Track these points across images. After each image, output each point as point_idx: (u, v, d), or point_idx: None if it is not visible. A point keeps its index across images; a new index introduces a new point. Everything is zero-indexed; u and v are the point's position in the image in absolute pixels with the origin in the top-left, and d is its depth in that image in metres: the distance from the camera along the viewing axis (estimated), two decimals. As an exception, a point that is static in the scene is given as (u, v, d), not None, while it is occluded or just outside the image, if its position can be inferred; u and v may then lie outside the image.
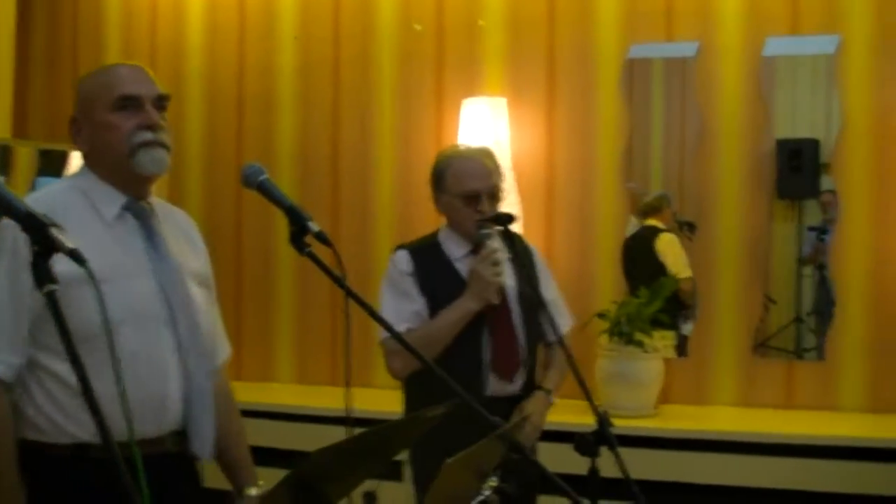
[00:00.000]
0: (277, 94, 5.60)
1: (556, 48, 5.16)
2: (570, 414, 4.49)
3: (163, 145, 2.66)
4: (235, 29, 5.67)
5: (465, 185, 3.51)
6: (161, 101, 2.74)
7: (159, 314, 2.60)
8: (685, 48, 5.01)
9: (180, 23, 5.76)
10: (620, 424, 4.53)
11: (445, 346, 3.43)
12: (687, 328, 5.11)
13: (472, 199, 3.50)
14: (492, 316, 3.51)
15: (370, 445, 1.97)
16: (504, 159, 4.89)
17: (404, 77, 5.37)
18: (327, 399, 5.13)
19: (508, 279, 3.56)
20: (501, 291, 3.53)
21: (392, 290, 3.57)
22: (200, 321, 2.72)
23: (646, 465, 4.49)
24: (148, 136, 2.61)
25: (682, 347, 5.08)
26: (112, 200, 2.63)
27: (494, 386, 3.52)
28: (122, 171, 2.61)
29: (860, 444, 4.37)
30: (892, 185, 4.76)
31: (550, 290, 3.78)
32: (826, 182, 4.93)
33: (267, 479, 2.32)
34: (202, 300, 2.80)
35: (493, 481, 2.35)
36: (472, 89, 5.15)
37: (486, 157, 3.60)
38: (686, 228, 5.15)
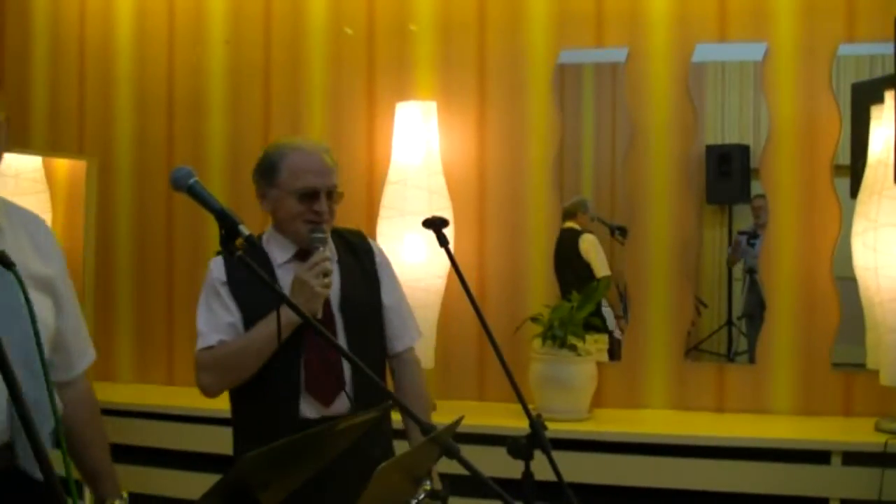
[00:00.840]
0: (208, 97, 5.54)
1: (486, 52, 5.16)
2: (503, 417, 4.51)
3: None
4: (165, 32, 5.60)
5: (302, 181, 3.13)
6: None
7: None
8: (615, 53, 5.04)
9: (109, 25, 5.68)
10: (554, 428, 4.53)
11: (263, 363, 3.09)
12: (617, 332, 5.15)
13: (309, 196, 3.14)
14: (308, 331, 3.08)
15: (304, 449, 1.94)
16: (435, 163, 4.90)
17: (335, 81, 5.34)
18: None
19: (333, 284, 3.17)
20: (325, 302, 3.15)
21: (206, 300, 3.24)
22: (31, 330, 2.26)
23: (579, 469, 4.51)
24: None
25: (614, 351, 5.11)
26: None
27: (310, 409, 3.13)
28: None
29: (790, 447, 4.42)
30: (818, 190, 4.81)
31: (392, 294, 3.40)
32: (756, 187, 4.98)
33: (201, 483, 2.28)
34: (41, 307, 2.46)
35: (426, 485, 2.34)
36: (403, 93, 5.14)
37: (325, 153, 3.22)
38: (617, 233, 5.18)
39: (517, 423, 4.63)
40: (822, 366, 4.85)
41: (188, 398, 5.16)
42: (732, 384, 4.94)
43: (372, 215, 5.01)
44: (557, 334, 4.66)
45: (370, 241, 3.45)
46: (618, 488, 4.48)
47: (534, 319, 4.75)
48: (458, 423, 2.46)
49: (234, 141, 5.49)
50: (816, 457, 4.40)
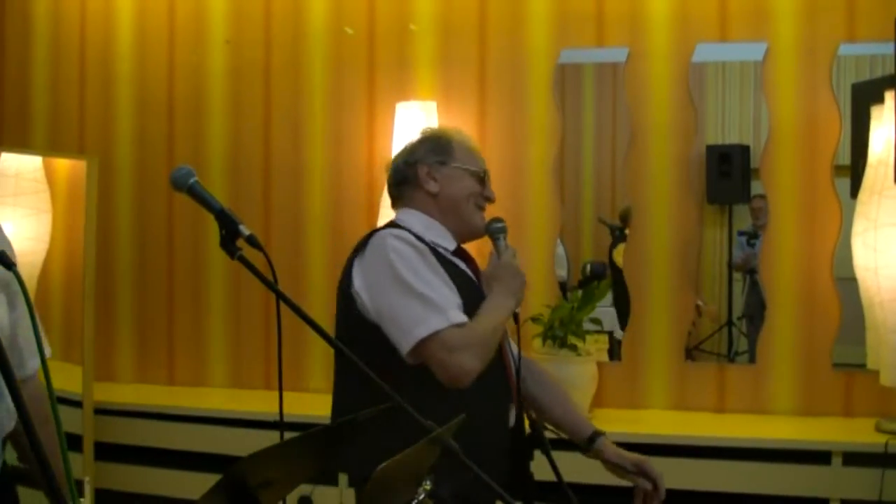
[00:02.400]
0: (208, 97, 5.53)
1: (487, 52, 5.17)
2: None
3: None
4: (165, 32, 5.59)
5: (477, 162, 2.99)
6: None
7: None
8: (615, 53, 5.04)
9: (110, 25, 5.68)
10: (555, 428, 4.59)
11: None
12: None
13: (482, 180, 2.97)
14: None
15: (304, 449, 1.93)
16: (436, 163, 4.90)
17: (336, 81, 5.34)
18: (260, 403, 5.11)
19: None
20: None
21: (422, 270, 2.66)
22: None
23: (579, 469, 4.49)
24: None
25: (614, 351, 5.11)
26: None
27: (511, 415, 2.90)
28: None
29: (790, 447, 4.43)
30: (819, 190, 4.82)
31: None
32: (756, 187, 4.99)
33: (201, 483, 2.28)
34: None
35: (427, 485, 2.34)
36: (403, 93, 5.14)
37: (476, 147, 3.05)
38: (618, 232, 5.18)
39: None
40: (822, 366, 4.85)
41: (190, 398, 5.19)
42: (733, 384, 4.94)
43: (372, 214, 5.02)
44: (558, 334, 4.66)
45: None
46: (618, 488, 4.46)
47: (534, 319, 4.75)
48: (458, 422, 2.44)
49: (235, 141, 5.49)
50: (817, 457, 4.40)
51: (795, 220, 4.85)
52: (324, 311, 5.26)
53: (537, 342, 4.72)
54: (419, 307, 2.59)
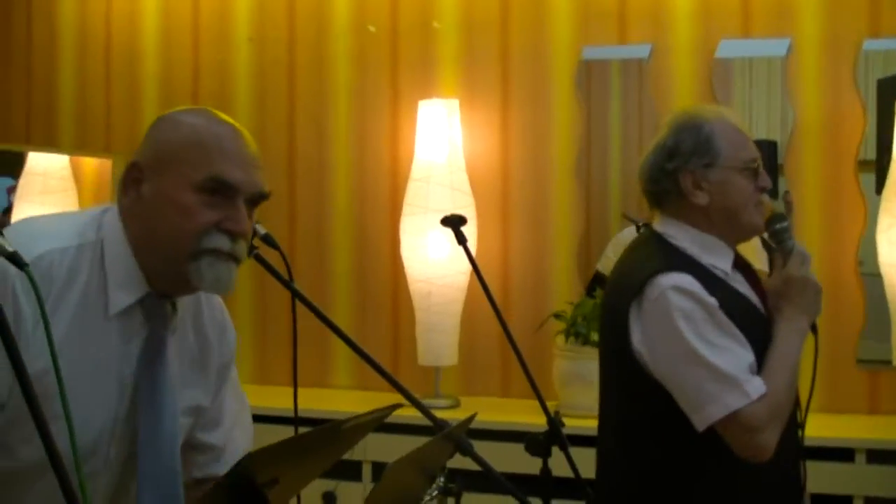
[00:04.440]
0: (233, 95, 5.55)
1: (509, 50, 5.16)
2: (527, 414, 4.51)
3: (237, 260, 2.08)
4: (190, 30, 5.63)
5: (747, 151, 2.59)
6: (258, 201, 2.16)
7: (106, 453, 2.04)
8: (638, 50, 5.03)
9: (135, 25, 5.70)
10: (578, 424, 4.55)
11: None
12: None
13: (755, 172, 2.58)
14: None
15: (311, 447, 1.93)
16: (458, 160, 4.92)
17: (359, 79, 5.34)
18: (284, 400, 5.11)
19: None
20: None
21: (719, 332, 2.42)
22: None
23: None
24: (225, 243, 2.03)
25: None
26: (129, 286, 2.02)
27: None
28: (168, 265, 2.02)
29: (814, 444, 4.30)
30: (843, 186, 4.79)
31: None
32: (784, 183, 4.96)
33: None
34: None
35: (440, 481, 2.36)
36: (426, 91, 5.13)
37: (740, 120, 2.71)
38: (643, 229, 5.16)
39: (540, 420, 4.67)
40: (846, 363, 4.82)
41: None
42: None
43: (395, 212, 5.02)
44: (580, 331, 4.66)
45: None
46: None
47: (557, 316, 4.76)
48: (471, 419, 2.45)
49: (259, 139, 5.39)
50: (841, 454, 4.38)
51: (820, 216, 4.83)
52: (347, 308, 5.33)
53: (560, 339, 4.72)
54: (711, 382, 2.38)
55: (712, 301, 2.43)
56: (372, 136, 5.30)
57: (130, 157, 2.10)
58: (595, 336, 4.64)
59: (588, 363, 4.65)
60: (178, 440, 2.10)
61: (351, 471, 4.72)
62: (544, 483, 2.91)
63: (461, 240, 2.96)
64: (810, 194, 4.83)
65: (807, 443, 4.34)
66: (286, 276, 2.40)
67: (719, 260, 2.57)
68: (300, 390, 5.42)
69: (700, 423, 2.40)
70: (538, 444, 2.95)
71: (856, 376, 4.82)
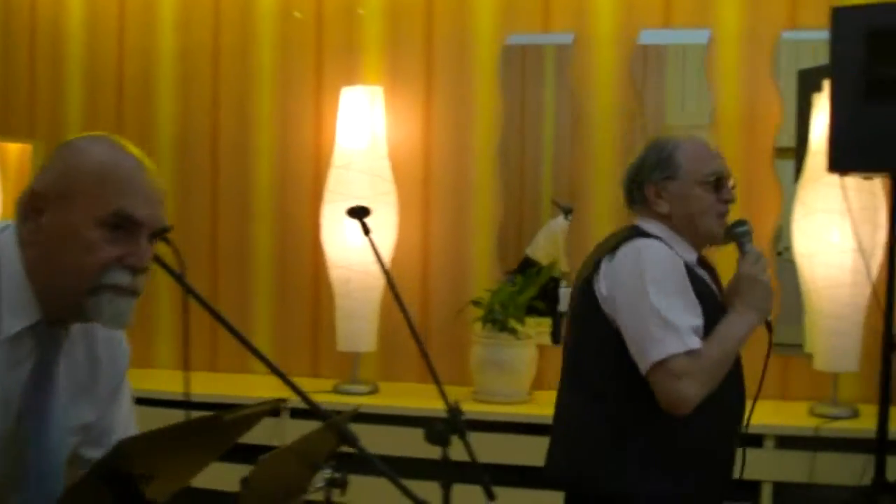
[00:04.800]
0: (157, 79, 5.52)
1: (433, 37, 5.18)
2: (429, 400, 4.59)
3: (136, 294, 2.04)
4: (115, 14, 5.58)
5: (707, 166, 2.82)
6: (159, 235, 2.09)
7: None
8: (561, 38, 5.07)
9: (59, 8, 5.65)
10: (494, 410, 4.66)
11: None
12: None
13: (715, 184, 2.83)
14: None
15: (188, 439, 1.90)
16: (380, 147, 4.93)
17: (284, 64, 5.34)
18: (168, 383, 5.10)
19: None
20: None
21: (672, 290, 2.66)
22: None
23: (519, 450, 4.57)
24: (126, 278, 2.00)
25: (557, 334, 5.14)
26: (21, 311, 1.99)
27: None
28: (65, 296, 1.99)
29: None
30: (760, 174, 4.87)
31: None
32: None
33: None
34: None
35: (327, 473, 2.38)
36: (350, 78, 5.14)
37: (709, 140, 2.97)
38: (569, 215, 5.21)
39: (462, 406, 4.70)
40: (759, 351, 4.89)
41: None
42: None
43: (318, 199, 5.02)
44: (497, 317, 4.70)
45: None
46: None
47: (475, 303, 4.80)
48: (354, 411, 2.49)
49: (184, 122, 5.47)
50: (750, 440, 4.44)
51: (736, 204, 4.88)
52: (268, 293, 5.35)
53: (478, 326, 4.77)
54: (658, 327, 2.59)
55: (678, 259, 2.70)
56: (296, 122, 5.31)
57: (30, 182, 2.01)
58: (512, 323, 4.71)
59: (505, 350, 4.72)
60: (62, 462, 2.08)
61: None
62: (445, 470, 2.96)
63: (366, 230, 3.02)
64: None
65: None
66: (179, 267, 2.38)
67: (686, 254, 2.80)
68: (221, 376, 5.48)
69: (643, 366, 2.62)
70: (437, 433, 2.98)
71: (768, 364, 4.88)
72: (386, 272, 3.09)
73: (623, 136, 5.00)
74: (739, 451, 3.02)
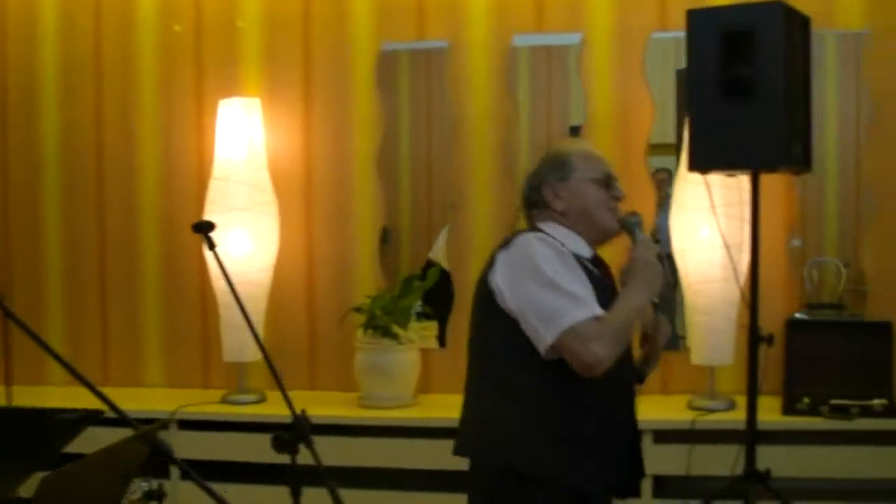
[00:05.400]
0: (40, 89, 5.48)
1: (311, 47, 5.22)
2: (334, 406, 4.76)
3: None
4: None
5: (598, 167, 3.05)
6: None
7: None
8: (436, 45, 5.14)
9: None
10: (378, 415, 4.70)
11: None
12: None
13: (605, 182, 3.04)
14: None
15: (101, 467, 1.91)
16: (259, 158, 4.96)
17: (166, 76, 5.35)
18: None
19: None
20: None
21: (563, 267, 2.81)
22: None
23: (402, 454, 4.61)
24: None
25: (444, 337, 5.18)
26: None
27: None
28: None
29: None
30: (633, 173, 4.94)
31: None
32: (656, 162, 5.09)
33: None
34: None
35: (145, 485, 2.40)
36: (231, 89, 5.16)
37: (596, 148, 3.18)
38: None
39: (346, 412, 4.76)
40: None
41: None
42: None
43: (202, 210, 5.03)
44: (379, 323, 4.74)
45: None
46: (441, 472, 4.56)
47: (357, 309, 4.83)
48: (164, 423, 2.52)
49: (67, 134, 5.43)
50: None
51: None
52: (158, 306, 5.35)
53: (360, 332, 4.80)
54: (561, 300, 2.74)
55: (566, 250, 2.86)
56: (178, 135, 5.32)
57: None
58: (395, 328, 4.75)
59: (387, 355, 4.76)
60: None
61: (158, 469, 4.73)
62: (293, 476, 3.01)
63: (211, 245, 3.09)
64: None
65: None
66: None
67: (580, 249, 2.97)
68: (111, 389, 5.45)
69: (550, 336, 2.73)
70: (284, 441, 3.03)
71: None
72: (231, 287, 3.17)
73: (501, 139, 5.06)
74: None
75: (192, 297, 5.30)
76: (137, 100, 5.39)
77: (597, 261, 3.05)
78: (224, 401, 4.93)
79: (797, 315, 4.95)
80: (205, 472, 4.92)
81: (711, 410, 4.60)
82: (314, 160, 5.21)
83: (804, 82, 4.16)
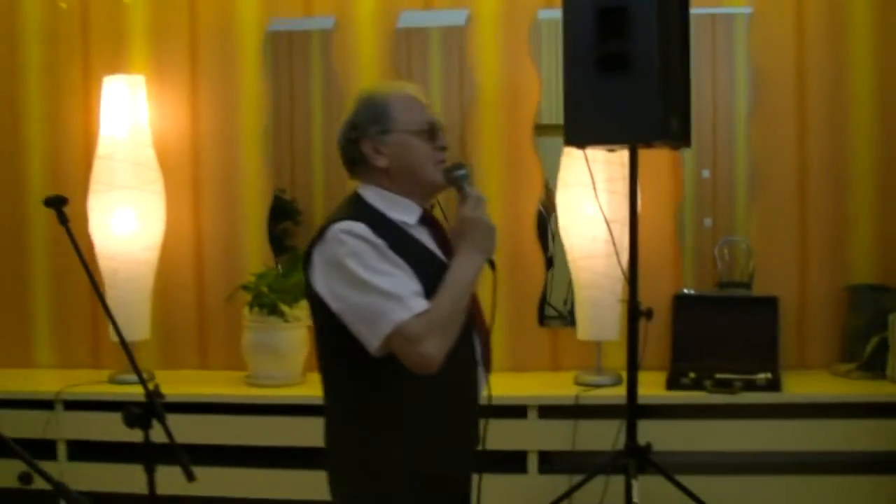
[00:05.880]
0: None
1: (198, 25, 5.17)
2: (224, 385, 4.84)
3: None
4: None
5: (420, 116, 2.79)
6: None
7: None
8: (323, 21, 5.11)
9: None
10: (266, 393, 4.70)
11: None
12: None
13: (431, 133, 2.78)
14: None
15: None
16: (143, 136, 4.92)
17: (52, 55, 5.26)
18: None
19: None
20: None
21: (378, 264, 2.61)
22: None
23: (291, 431, 4.61)
24: None
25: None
26: None
27: (482, 382, 2.91)
28: None
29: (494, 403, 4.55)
30: (521, 151, 4.99)
31: None
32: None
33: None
34: None
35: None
36: (117, 67, 5.10)
37: (419, 91, 2.89)
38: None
39: (233, 391, 4.76)
40: (529, 323, 5.02)
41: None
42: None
43: (88, 190, 4.98)
44: (265, 301, 4.72)
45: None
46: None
47: (245, 287, 4.81)
48: None
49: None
50: (515, 411, 4.55)
51: (500, 182, 5.00)
52: (47, 287, 5.29)
53: (247, 310, 4.78)
54: (379, 301, 2.56)
55: (379, 241, 2.61)
56: (65, 114, 5.25)
57: None
58: (282, 306, 4.73)
59: (274, 333, 4.76)
60: None
61: (46, 450, 4.71)
62: (147, 452, 3.00)
63: (62, 220, 3.06)
64: (491, 160, 5.01)
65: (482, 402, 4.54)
66: None
67: (404, 215, 2.75)
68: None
69: (376, 341, 2.57)
70: (135, 416, 3.03)
71: (538, 336, 5.02)
72: (85, 265, 3.13)
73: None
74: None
75: (82, 278, 5.21)
76: (24, 79, 5.31)
77: (427, 219, 2.83)
78: (112, 381, 4.89)
79: (684, 291, 5.00)
80: (92, 452, 4.90)
81: (598, 386, 4.63)
82: (201, 138, 5.17)
83: (682, 58, 4.18)
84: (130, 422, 3.02)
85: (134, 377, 4.83)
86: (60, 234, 5.11)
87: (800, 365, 4.90)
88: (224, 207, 5.14)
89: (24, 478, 4.68)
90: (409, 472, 2.75)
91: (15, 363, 5.28)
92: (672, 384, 4.61)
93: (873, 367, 4.65)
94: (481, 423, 2.96)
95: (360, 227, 2.63)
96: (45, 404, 4.73)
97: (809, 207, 4.90)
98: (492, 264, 2.79)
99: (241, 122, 5.15)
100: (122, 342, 3.11)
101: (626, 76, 3.93)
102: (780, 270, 4.92)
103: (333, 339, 2.71)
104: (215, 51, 5.16)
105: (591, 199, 4.48)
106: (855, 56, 4.83)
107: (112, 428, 4.64)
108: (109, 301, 4.90)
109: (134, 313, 4.88)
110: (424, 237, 2.79)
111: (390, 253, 2.63)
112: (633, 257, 4.14)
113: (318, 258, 2.69)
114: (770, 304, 4.83)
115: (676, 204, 5.00)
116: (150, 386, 3.05)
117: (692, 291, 5.01)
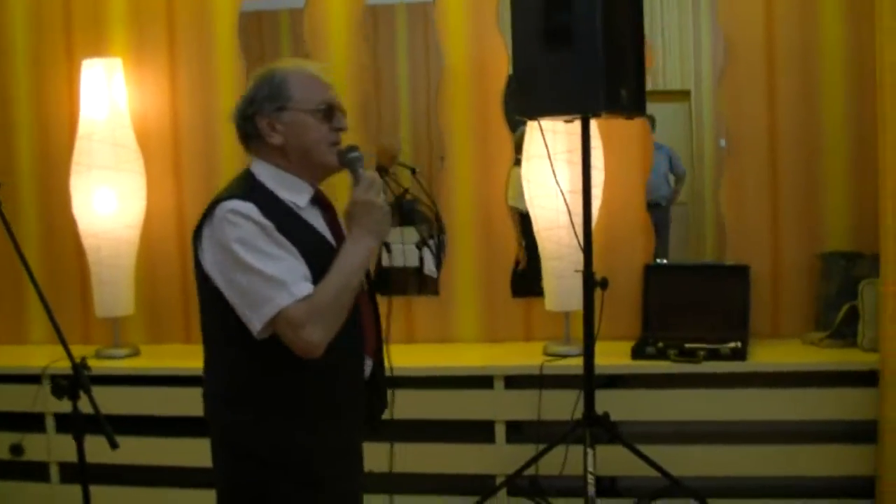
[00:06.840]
0: None
1: (175, 8, 5.27)
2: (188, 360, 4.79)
3: None
4: None
5: (318, 96, 2.78)
6: None
7: None
8: (293, 1, 5.19)
9: None
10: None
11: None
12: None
13: (326, 113, 2.77)
14: None
15: None
16: (122, 117, 5.03)
17: (35, 38, 5.39)
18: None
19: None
20: None
21: (265, 248, 2.59)
22: None
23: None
24: None
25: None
26: None
27: (366, 365, 2.91)
28: None
29: (462, 374, 4.66)
30: (490, 124, 5.02)
31: None
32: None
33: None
34: None
35: None
36: (97, 51, 5.21)
37: (324, 70, 2.88)
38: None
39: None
40: (501, 294, 5.06)
41: None
42: (421, 315, 5.19)
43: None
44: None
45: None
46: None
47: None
48: None
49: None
50: (482, 381, 4.60)
51: (470, 156, 5.05)
52: (37, 266, 5.39)
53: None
54: (263, 286, 2.55)
55: (267, 223, 2.60)
56: (51, 96, 5.37)
57: None
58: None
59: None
60: None
61: (36, 423, 4.87)
62: (75, 421, 3.12)
63: (-6, 203, 3.13)
64: (461, 134, 5.05)
65: (448, 373, 4.59)
66: None
67: (295, 196, 2.74)
68: None
69: (258, 322, 2.58)
70: (62, 388, 3.14)
71: (511, 307, 5.06)
72: (17, 248, 3.23)
73: (360, 93, 5.15)
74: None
75: (70, 256, 5.37)
76: (10, 62, 5.43)
77: (319, 201, 2.83)
78: (98, 355, 5.02)
79: (656, 261, 5.01)
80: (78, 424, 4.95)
81: (565, 356, 4.65)
82: (181, 119, 5.28)
83: (633, 29, 4.18)
84: (58, 393, 3.14)
85: (119, 351, 5.03)
86: (49, 213, 5.35)
87: (773, 334, 4.88)
88: (204, 185, 5.19)
89: (15, 449, 4.91)
90: (294, 446, 2.75)
91: (10, 340, 5.45)
92: (637, 354, 4.61)
93: (844, 335, 4.62)
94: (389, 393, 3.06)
95: (249, 208, 2.61)
96: (33, 378, 4.86)
97: (781, 175, 4.86)
98: (387, 247, 2.92)
99: (219, 104, 5.23)
100: (51, 317, 3.21)
101: (570, 49, 3.96)
102: (752, 239, 4.90)
103: (219, 317, 2.71)
104: (192, 33, 5.26)
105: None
106: (825, 22, 4.77)
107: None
108: (94, 279, 5.06)
109: (118, 290, 5.01)
110: (315, 219, 2.79)
111: (278, 235, 2.61)
112: (587, 227, 4.14)
113: (206, 236, 2.69)
114: (742, 272, 4.82)
115: (646, 173, 5.00)
116: (78, 360, 3.15)
117: (664, 261, 5.01)
